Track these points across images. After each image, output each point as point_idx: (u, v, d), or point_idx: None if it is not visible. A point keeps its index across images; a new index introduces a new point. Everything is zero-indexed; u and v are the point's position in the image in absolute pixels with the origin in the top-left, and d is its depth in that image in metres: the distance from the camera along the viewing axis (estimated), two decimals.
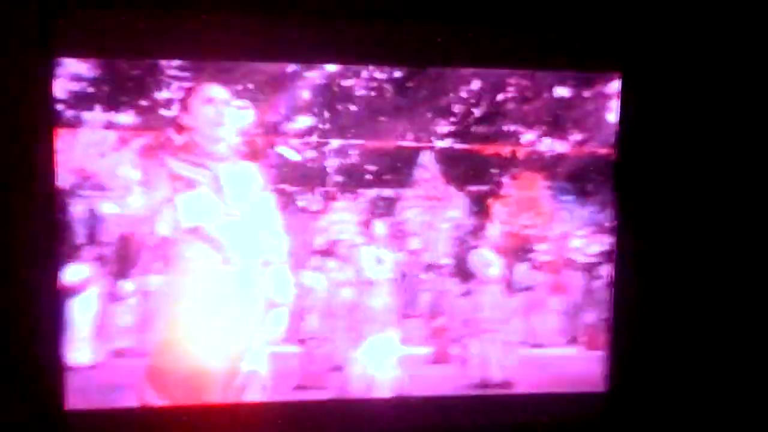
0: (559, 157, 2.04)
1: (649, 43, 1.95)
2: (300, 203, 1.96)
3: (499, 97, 1.99)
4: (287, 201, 1.96)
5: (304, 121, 1.91)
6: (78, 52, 1.75)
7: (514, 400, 2.10)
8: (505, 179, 2.05)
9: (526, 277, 2.13)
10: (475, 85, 1.98)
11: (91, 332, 1.91)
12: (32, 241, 1.76)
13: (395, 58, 1.90)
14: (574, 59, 1.96)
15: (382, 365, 2.04)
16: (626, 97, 1.97)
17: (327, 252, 2.01)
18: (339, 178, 1.96)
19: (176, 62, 1.81)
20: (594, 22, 1.92)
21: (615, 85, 2.01)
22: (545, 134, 2.03)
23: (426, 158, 2.01)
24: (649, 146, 2.00)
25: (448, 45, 1.91)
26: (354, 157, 1.95)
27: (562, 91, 2.01)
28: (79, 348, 1.89)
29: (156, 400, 1.92)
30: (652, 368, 2.06)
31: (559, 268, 2.12)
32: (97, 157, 1.83)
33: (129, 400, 1.91)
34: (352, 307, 2.04)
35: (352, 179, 1.97)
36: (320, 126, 1.93)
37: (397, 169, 2.00)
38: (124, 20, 1.72)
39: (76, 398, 1.88)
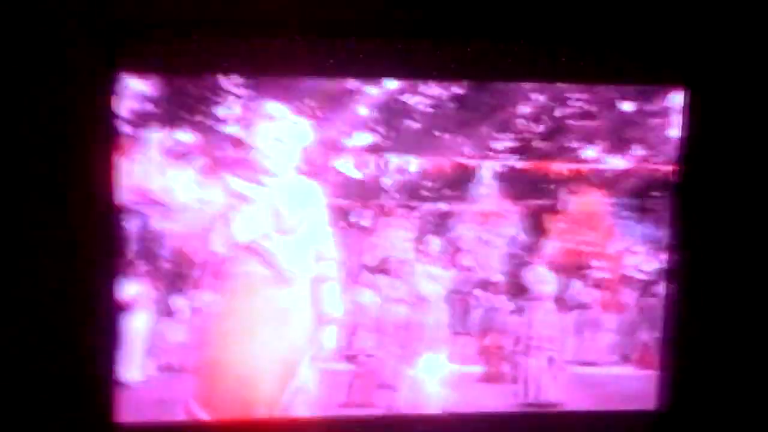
0: (620, 174, 2.00)
1: (715, 56, 1.90)
2: (355, 219, 1.94)
3: (561, 112, 1.95)
4: (342, 217, 1.94)
5: (363, 138, 1.89)
6: (141, 69, 1.74)
7: (564, 418, 2.07)
8: (564, 195, 2.01)
9: (581, 294, 2.09)
10: (536, 100, 1.94)
11: (143, 347, 1.91)
12: (89, 256, 1.76)
13: (455, 73, 1.87)
14: (637, 73, 1.91)
15: (433, 382, 2.02)
16: (690, 112, 1.92)
17: (380, 268, 1.99)
18: (396, 195, 1.94)
19: (237, 79, 1.79)
20: (657, 34, 1.88)
21: (679, 100, 1.96)
22: (606, 150, 1.99)
23: (485, 174, 1.98)
24: (711, 163, 1.95)
25: (507, 60, 1.88)
26: (412, 173, 1.92)
27: (624, 106, 1.97)
28: (131, 363, 1.89)
29: (204, 414, 1.91)
30: (707, 388, 2.01)
31: (616, 285, 2.08)
32: (155, 174, 1.82)
33: (177, 415, 1.91)
34: (405, 324, 2.01)
35: (410, 195, 1.95)
36: (380, 142, 1.91)
37: (454, 185, 1.97)
38: (187, 39, 1.71)
39: (126, 412, 1.87)
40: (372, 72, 1.84)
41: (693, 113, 1.93)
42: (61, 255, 1.75)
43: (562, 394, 2.07)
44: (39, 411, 1.80)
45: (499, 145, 1.96)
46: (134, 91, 1.77)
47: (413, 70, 1.85)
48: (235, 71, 1.79)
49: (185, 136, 1.80)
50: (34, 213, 1.74)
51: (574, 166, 1.98)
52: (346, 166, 1.89)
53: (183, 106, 1.78)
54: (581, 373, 2.10)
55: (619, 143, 1.99)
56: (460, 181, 1.97)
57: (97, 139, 1.71)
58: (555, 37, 1.86)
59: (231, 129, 1.83)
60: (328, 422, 1.97)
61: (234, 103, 1.80)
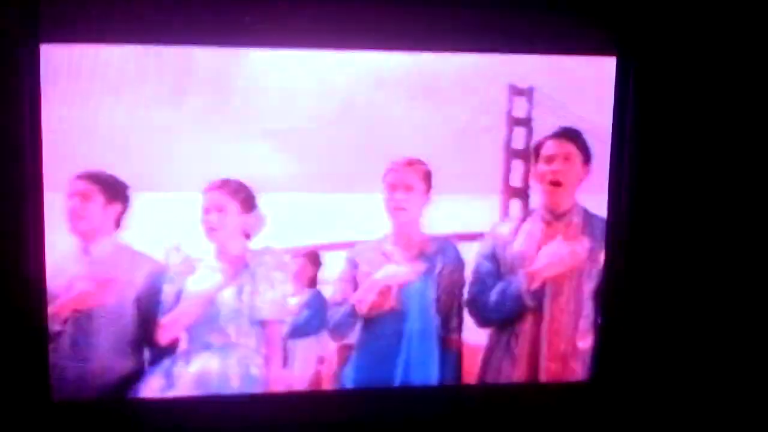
0: None
1: (648, 23, 1.84)
2: None
3: None
4: None
5: None
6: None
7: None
8: None
9: None
10: None
11: None
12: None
13: (382, 43, 1.83)
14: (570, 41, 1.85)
15: None
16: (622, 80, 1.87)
17: None
18: None
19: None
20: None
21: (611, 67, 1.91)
22: None
23: None
24: (645, 132, 1.90)
25: (438, 29, 1.83)
26: None
27: None
28: None
29: None
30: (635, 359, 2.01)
31: None
32: None
33: None
34: None
35: None
36: None
37: None
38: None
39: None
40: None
41: (624, 82, 1.88)
42: None
43: None
44: None
45: None
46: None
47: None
48: (164, 40, 1.77)
49: None
50: None
51: None
52: None
53: None
54: None
55: None
56: None
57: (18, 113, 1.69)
58: (484, 3, 1.81)
59: None
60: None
61: None
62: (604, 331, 1.96)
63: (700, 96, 1.90)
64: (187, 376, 1.70)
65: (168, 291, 1.75)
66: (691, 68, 1.88)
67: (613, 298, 1.95)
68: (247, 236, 1.77)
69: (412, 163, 1.63)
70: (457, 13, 1.82)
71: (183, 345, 1.78)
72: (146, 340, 1.78)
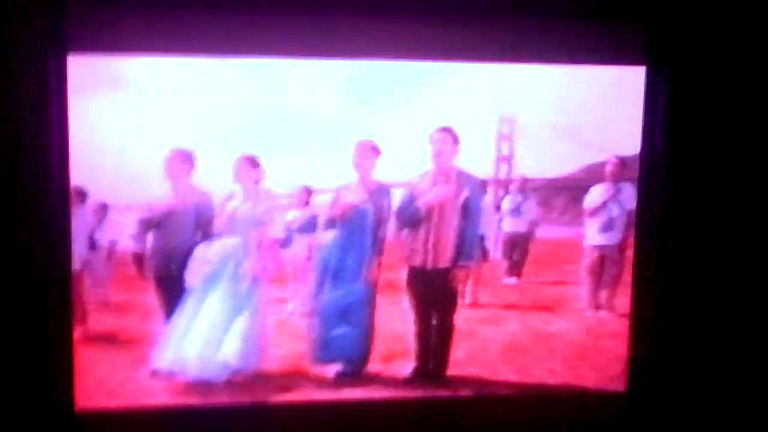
0: None
1: (679, 33, 1.86)
2: None
3: None
4: None
5: None
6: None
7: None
8: None
9: None
10: None
11: None
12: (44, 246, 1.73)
13: (411, 51, 1.84)
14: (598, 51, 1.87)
15: None
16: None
17: None
18: None
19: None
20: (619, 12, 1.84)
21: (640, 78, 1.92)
22: None
23: None
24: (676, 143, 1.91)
25: (467, 38, 1.84)
26: None
27: None
28: None
29: None
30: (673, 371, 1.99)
31: None
32: None
33: None
34: None
35: None
36: None
37: None
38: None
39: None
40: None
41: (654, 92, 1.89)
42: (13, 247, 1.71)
43: None
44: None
45: None
46: None
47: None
48: (184, 50, 1.76)
49: None
50: None
51: None
52: None
53: None
54: None
55: None
56: None
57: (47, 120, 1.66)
58: (516, 14, 1.82)
59: None
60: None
61: None
62: (638, 339, 1.96)
63: (729, 103, 1.89)
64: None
65: None
66: (717, 75, 1.88)
67: (645, 306, 1.95)
68: None
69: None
70: (490, 25, 1.84)
71: None
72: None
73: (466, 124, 2.18)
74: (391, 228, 2.22)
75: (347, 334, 2.18)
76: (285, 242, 2.41)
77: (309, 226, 2.44)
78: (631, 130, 1.94)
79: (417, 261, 2.18)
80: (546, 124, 2.26)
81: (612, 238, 2.53)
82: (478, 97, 2.14)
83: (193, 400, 2.00)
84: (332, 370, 2.16)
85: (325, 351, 2.19)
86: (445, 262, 2.16)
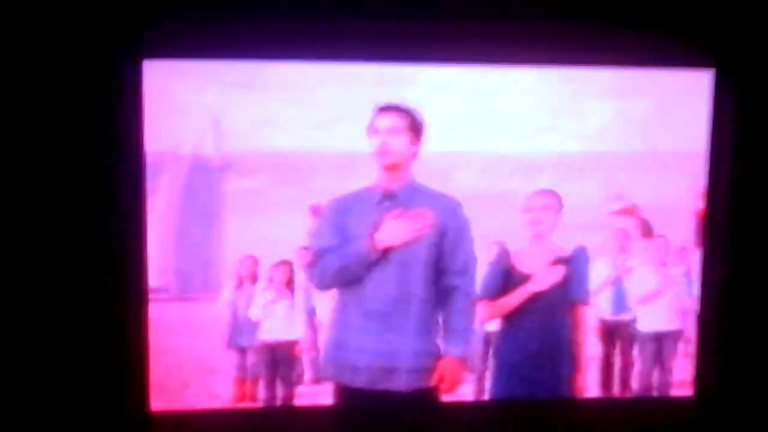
0: None
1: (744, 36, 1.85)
2: None
3: None
4: None
5: None
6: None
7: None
8: None
9: None
10: None
11: None
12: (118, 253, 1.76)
13: (479, 55, 1.85)
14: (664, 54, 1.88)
15: None
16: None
17: None
18: None
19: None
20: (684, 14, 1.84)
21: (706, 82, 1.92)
22: None
23: None
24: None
25: (532, 43, 1.85)
26: None
27: None
28: None
29: None
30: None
31: None
32: None
33: None
34: None
35: None
36: None
37: None
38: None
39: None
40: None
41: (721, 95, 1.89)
42: (89, 254, 1.74)
43: None
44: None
45: None
46: None
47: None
48: (260, 55, 1.78)
49: None
50: (63, 209, 1.72)
51: None
52: None
53: None
54: None
55: None
56: None
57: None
58: (579, 18, 1.83)
59: None
60: None
61: None
62: (705, 343, 1.95)
63: None
64: None
65: None
66: None
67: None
68: None
69: None
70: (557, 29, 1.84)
71: None
72: None
73: None
74: None
75: None
76: None
77: None
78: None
79: None
80: None
81: None
82: None
83: None
84: None
85: None
86: None
